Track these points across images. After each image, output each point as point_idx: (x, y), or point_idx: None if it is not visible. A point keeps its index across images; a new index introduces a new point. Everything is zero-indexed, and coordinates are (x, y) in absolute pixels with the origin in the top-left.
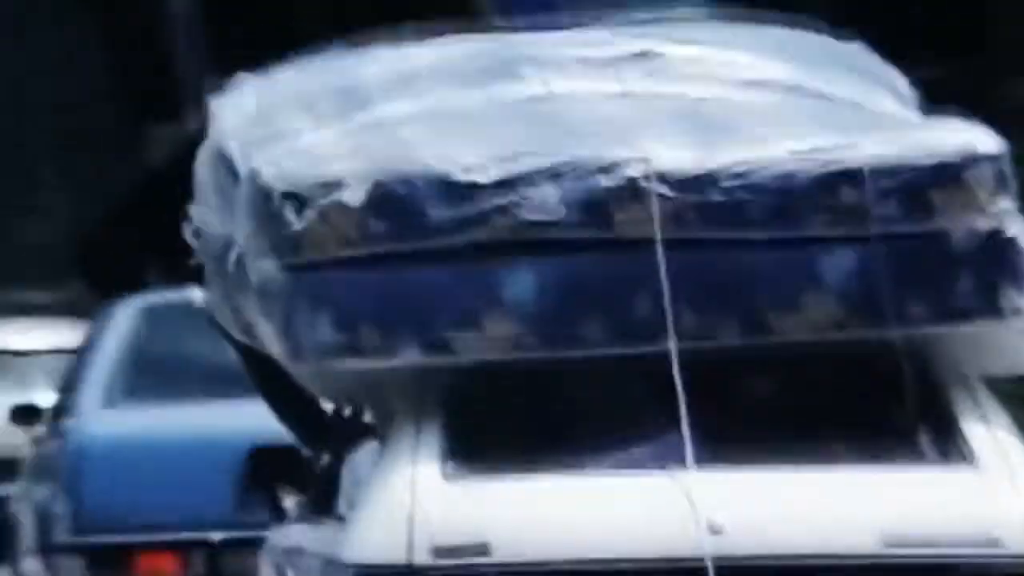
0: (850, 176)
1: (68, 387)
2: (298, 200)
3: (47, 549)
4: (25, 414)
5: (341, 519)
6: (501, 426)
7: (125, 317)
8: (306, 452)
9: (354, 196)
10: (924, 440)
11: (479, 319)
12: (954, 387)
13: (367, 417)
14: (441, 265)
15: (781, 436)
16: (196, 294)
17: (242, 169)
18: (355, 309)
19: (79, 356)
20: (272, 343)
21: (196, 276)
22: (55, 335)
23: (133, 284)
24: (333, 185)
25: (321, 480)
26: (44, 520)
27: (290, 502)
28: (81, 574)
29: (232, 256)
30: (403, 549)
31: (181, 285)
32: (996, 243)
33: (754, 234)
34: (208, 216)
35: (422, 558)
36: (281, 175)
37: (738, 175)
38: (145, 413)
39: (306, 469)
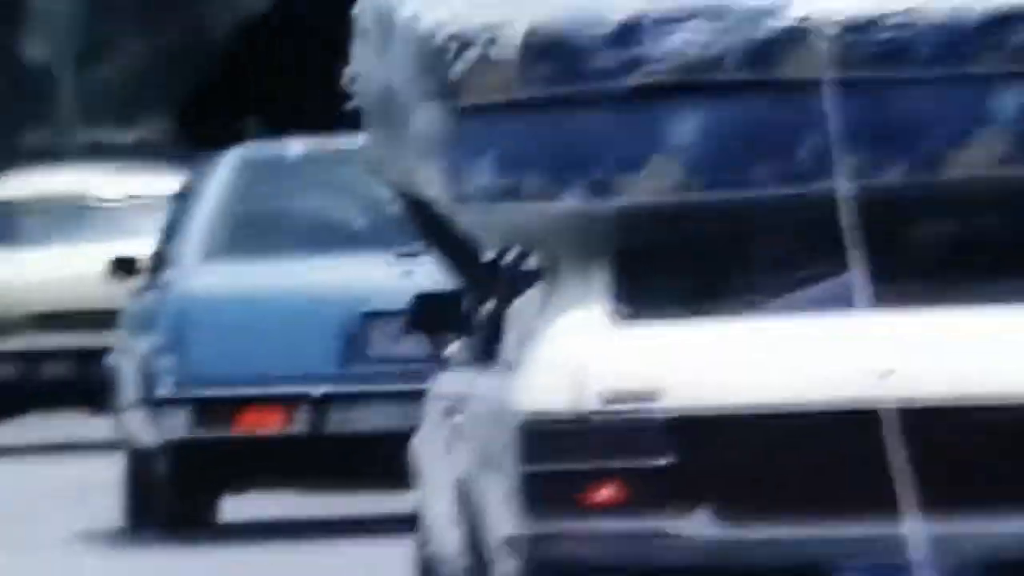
0: (1019, 15)
1: (168, 239)
2: (460, 43)
3: (151, 402)
4: (124, 266)
5: (508, 366)
6: (669, 270)
7: (227, 169)
8: (469, 298)
9: (514, 39)
10: None
11: (643, 162)
12: None
13: (530, 263)
14: (604, 108)
15: (952, 277)
16: (297, 146)
17: (402, 15)
18: (518, 152)
19: (178, 208)
20: (434, 187)
21: (352, 122)
22: (142, 182)
23: (234, 136)
24: (494, 28)
25: (485, 326)
26: (147, 374)
27: (453, 348)
28: (185, 427)
29: (393, 103)
30: (572, 395)
31: (281, 137)
32: None
33: (922, 74)
34: (367, 63)
35: (591, 404)
36: (442, 19)
37: (906, 15)
38: (247, 267)
39: (468, 315)
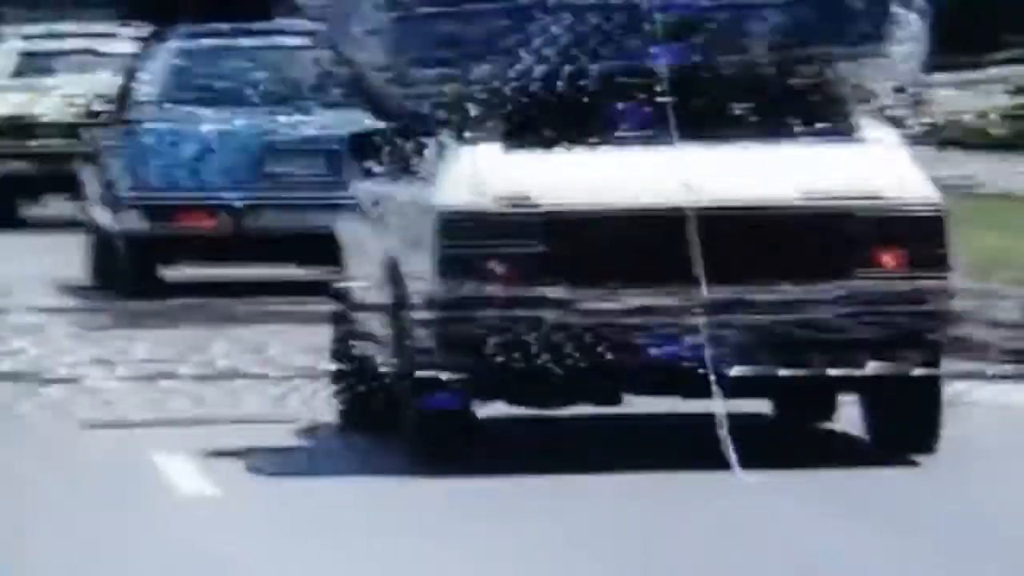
0: None
1: (127, 89)
2: None
3: (114, 202)
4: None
5: (426, 179)
6: (537, 116)
7: (175, 41)
8: (386, 137)
9: None
10: (828, 126)
11: (526, 47)
12: (851, 96)
13: (440, 116)
14: (499, 10)
15: (730, 123)
16: (227, 28)
17: None
18: (429, 40)
19: (135, 67)
20: (372, 57)
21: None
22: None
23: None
24: None
25: (402, 152)
26: (111, 182)
27: (374, 167)
28: (139, 222)
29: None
30: (475, 199)
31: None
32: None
33: None
34: None
35: (488, 206)
36: None
37: None
38: (187, 112)
39: (388, 147)
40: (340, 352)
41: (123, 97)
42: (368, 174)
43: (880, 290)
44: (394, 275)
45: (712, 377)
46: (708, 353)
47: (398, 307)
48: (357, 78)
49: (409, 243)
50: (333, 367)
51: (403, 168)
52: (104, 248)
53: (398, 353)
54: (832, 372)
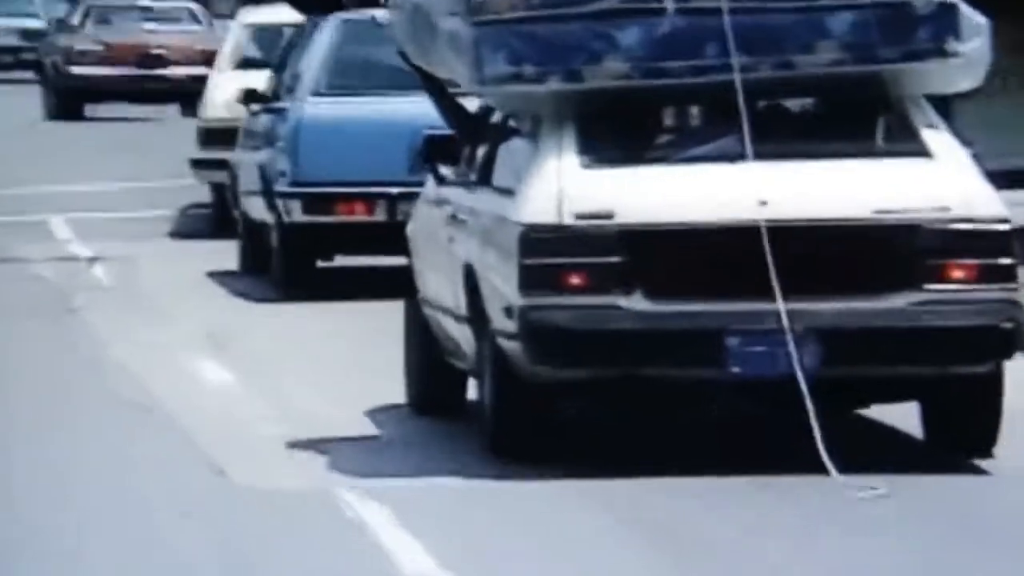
0: None
1: (280, 79)
2: None
3: (270, 194)
4: (248, 97)
5: (505, 191)
6: (617, 133)
7: (329, 28)
8: (461, 141)
9: None
10: (896, 143)
11: (603, 58)
12: (912, 106)
13: (514, 123)
14: (578, 23)
15: (803, 139)
16: (381, 14)
17: None
18: (519, 51)
19: (291, 56)
20: (459, 73)
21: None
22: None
23: (336, 6)
24: None
25: (478, 161)
26: (267, 173)
27: (446, 171)
28: (297, 213)
29: (418, 13)
30: (554, 214)
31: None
32: (944, 9)
33: (784, 5)
34: None
35: (567, 220)
36: None
37: None
38: (344, 101)
39: (459, 152)
40: (412, 341)
41: (278, 83)
42: (440, 180)
43: (948, 300)
44: (471, 281)
45: (797, 383)
46: (787, 360)
47: (475, 311)
48: (430, 81)
49: (487, 252)
50: (405, 356)
51: (481, 177)
52: (258, 243)
53: (475, 351)
54: (902, 377)
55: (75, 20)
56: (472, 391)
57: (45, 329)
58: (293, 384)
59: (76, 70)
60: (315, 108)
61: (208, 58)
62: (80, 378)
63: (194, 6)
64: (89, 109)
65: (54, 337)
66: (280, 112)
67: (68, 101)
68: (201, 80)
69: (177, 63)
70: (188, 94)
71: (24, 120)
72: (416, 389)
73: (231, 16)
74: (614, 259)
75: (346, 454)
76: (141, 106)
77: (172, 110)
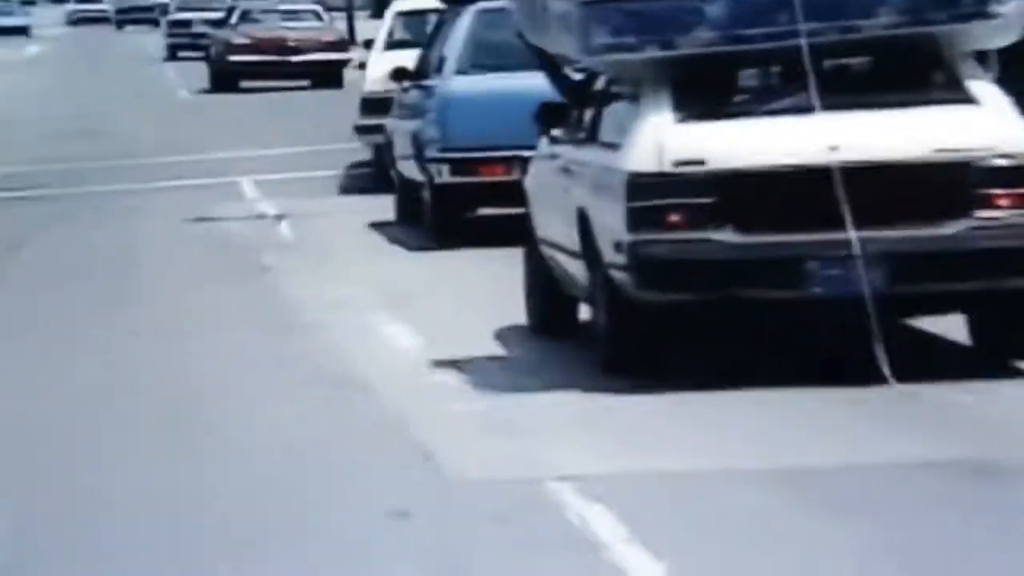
0: None
1: (427, 60)
2: None
3: (422, 159)
4: (400, 74)
5: (611, 146)
6: (704, 92)
7: (469, 16)
8: (569, 106)
9: None
10: (946, 93)
11: (693, 28)
12: (961, 62)
13: (616, 88)
14: (668, 2)
15: (865, 93)
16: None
17: None
18: (620, 25)
19: (436, 40)
20: (569, 46)
21: None
22: None
23: None
24: None
25: (586, 122)
26: (418, 142)
27: (556, 133)
28: (446, 175)
29: (539, 2)
30: (655, 162)
31: None
32: None
33: None
34: None
35: (666, 167)
36: None
37: None
38: (483, 78)
39: (569, 116)
40: (531, 278)
41: (425, 63)
42: (553, 139)
43: (996, 225)
44: (584, 223)
45: (865, 300)
46: (859, 280)
47: (587, 247)
48: (544, 57)
49: (598, 197)
50: (525, 286)
51: (589, 135)
52: (410, 197)
53: (588, 280)
54: (956, 291)
55: (232, 19)
56: (583, 314)
57: (243, 290)
58: (456, 332)
59: (233, 58)
60: (460, 85)
61: (327, 46)
62: (280, 346)
63: (316, 7)
64: (243, 85)
65: (252, 300)
66: (428, 88)
67: (226, 80)
68: (325, 63)
69: (307, 51)
70: (315, 74)
71: (200, 88)
72: (536, 315)
73: (344, 9)
74: (706, 199)
75: (489, 373)
76: (281, 81)
77: (305, 84)
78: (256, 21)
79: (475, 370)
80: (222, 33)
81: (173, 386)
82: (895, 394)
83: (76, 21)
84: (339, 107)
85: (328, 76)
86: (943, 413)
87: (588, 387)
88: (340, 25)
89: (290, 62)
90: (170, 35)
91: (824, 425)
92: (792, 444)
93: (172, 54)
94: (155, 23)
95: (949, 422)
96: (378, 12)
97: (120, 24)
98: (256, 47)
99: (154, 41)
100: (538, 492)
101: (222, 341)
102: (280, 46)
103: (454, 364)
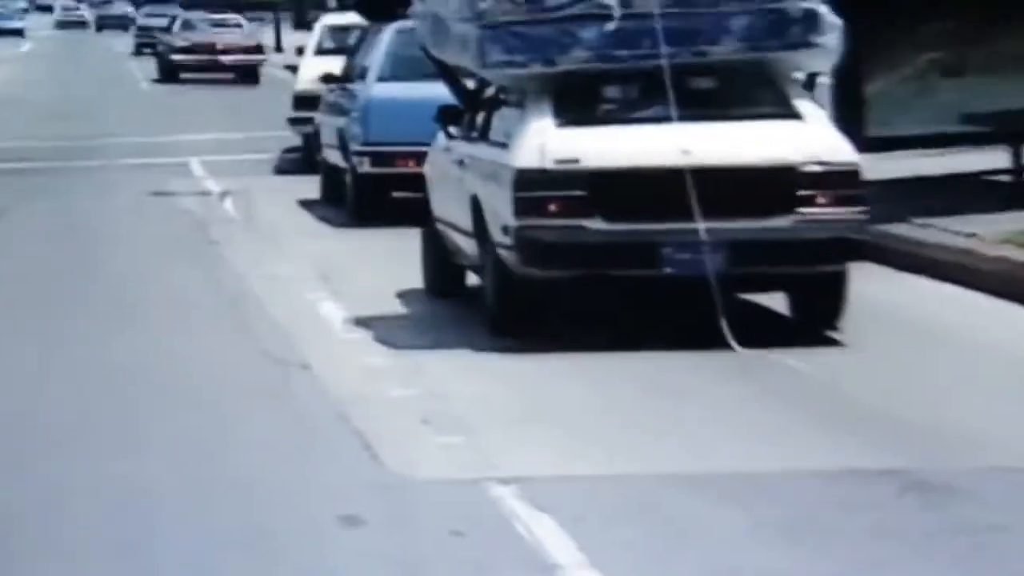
0: None
1: (349, 68)
2: None
3: (346, 151)
4: (328, 78)
5: (500, 144)
6: (579, 102)
7: (390, 33)
8: (464, 105)
9: None
10: (776, 109)
11: (571, 49)
12: (788, 84)
13: (505, 96)
14: (552, 25)
15: (712, 106)
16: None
17: None
18: (511, 45)
19: (359, 51)
20: (467, 60)
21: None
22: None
23: (393, 16)
24: None
25: (478, 123)
26: (343, 137)
27: (453, 131)
28: (367, 165)
29: (439, 20)
30: (539, 160)
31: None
32: (809, 12)
33: (697, 9)
34: (431, 3)
35: (548, 164)
36: None
37: None
38: (400, 85)
39: (464, 117)
40: (428, 250)
41: (350, 69)
42: (448, 136)
43: (816, 219)
44: (476, 208)
45: (710, 279)
46: (705, 263)
47: (478, 228)
48: (443, 68)
49: (489, 187)
50: (422, 257)
51: (481, 135)
52: (334, 181)
53: (478, 255)
54: (782, 274)
55: (175, 27)
56: (471, 281)
57: (195, 263)
58: (369, 296)
59: (174, 57)
60: (379, 91)
61: (247, 50)
62: (228, 318)
63: (239, 18)
64: (183, 77)
65: (202, 274)
66: (352, 92)
67: (170, 72)
68: (246, 63)
69: (231, 53)
70: (238, 71)
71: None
72: (430, 281)
73: (272, 22)
74: (580, 192)
75: (395, 330)
76: (211, 75)
77: (230, 78)
78: (193, 28)
79: (383, 327)
80: (167, 37)
81: (124, 360)
82: (736, 358)
83: (62, 25)
84: (261, 99)
85: (248, 73)
86: (783, 378)
87: (477, 344)
88: (268, 33)
89: (218, 61)
90: (136, 37)
91: (681, 384)
92: (631, 400)
93: (138, 51)
94: (126, 28)
95: (787, 384)
96: (299, 24)
97: (99, 28)
98: (192, 48)
99: (124, 42)
100: (436, 411)
101: (176, 315)
102: (211, 48)
103: (365, 322)
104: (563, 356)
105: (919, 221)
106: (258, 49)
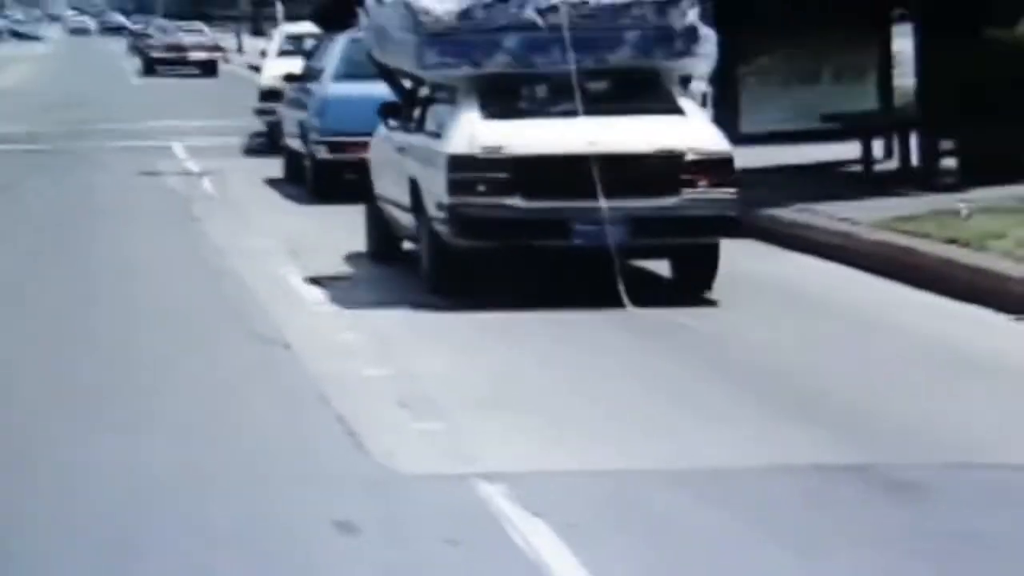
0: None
1: (308, 69)
2: (425, 11)
3: (306, 139)
4: (290, 77)
5: (434, 134)
6: (502, 99)
7: (342, 40)
8: (402, 101)
9: (449, 11)
10: (664, 106)
11: (495, 55)
12: (674, 86)
13: (438, 94)
14: (481, 34)
15: (612, 103)
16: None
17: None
18: (445, 50)
19: (316, 56)
20: (407, 63)
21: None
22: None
23: (345, 26)
24: (440, 6)
25: (415, 116)
26: (303, 127)
27: (392, 123)
28: (324, 152)
29: (384, 31)
30: (468, 147)
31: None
32: (689, 28)
33: (597, 24)
34: (376, 17)
35: (476, 151)
36: (423, 3)
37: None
38: (351, 85)
39: (402, 112)
40: (371, 223)
41: (308, 71)
42: (388, 127)
43: (697, 199)
44: (414, 188)
45: (611, 249)
46: (607, 235)
47: (416, 204)
48: (385, 70)
49: (425, 170)
50: (365, 231)
51: (417, 126)
52: (295, 163)
53: (415, 227)
54: (669, 244)
55: (150, 30)
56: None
57: (179, 237)
58: (323, 259)
59: (152, 54)
60: (335, 89)
61: (209, 49)
62: (213, 296)
63: (203, 26)
64: (159, 71)
65: (187, 247)
66: (310, 89)
67: (149, 68)
68: (207, 60)
69: (196, 51)
70: (201, 66)
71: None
72: (372, 247)
73: (234, 30)
74: (503, 175)
75: (345, 293)
76: (180, 68)
77: (196, 72)
78: (166, 32)
79: (340, 290)
80: (147, 40)
81: (113, 332)
82: (632, 314)
83: (72, 31)
84: (227, 91)
85: (209, 68)
86: (676, 332)
87: (416, 302)
88: (231, 39)
89: (186, 58)
90: (128, 39)
91: (593, 340)
92: (553, 355)
93: (130, 51)
94: (120, 33)
95: (680, 338)
96: (256, 32)
97: (103, 33)
98: (166, 47)
99: (119, 44)
100: (410, 394)
101: (163, 287)
102: (179, 47)
103: (320, 282)
104: (489, 314)
105: (800, 206)
106: (217, 48)
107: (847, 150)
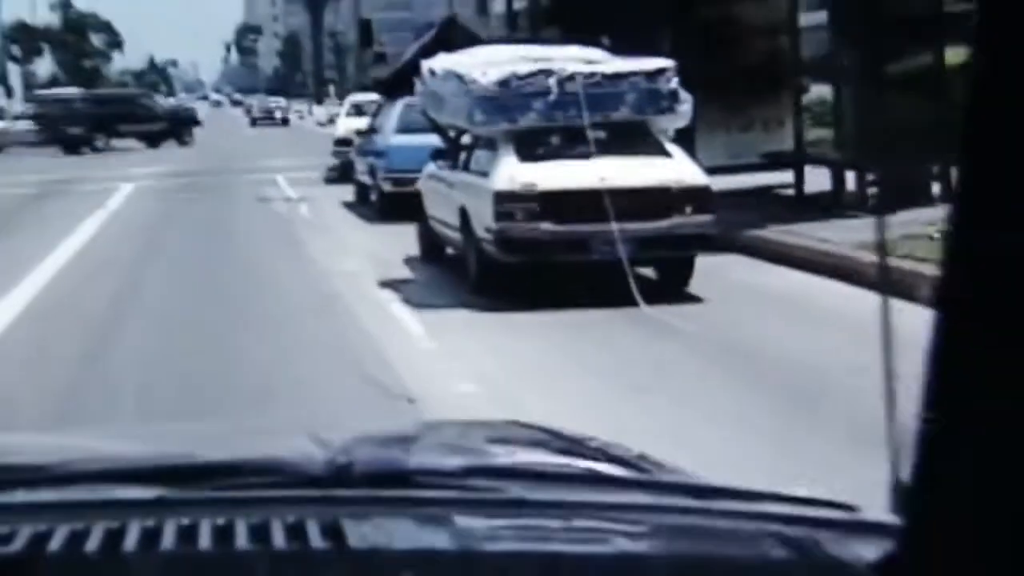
0: (628, 74)
1: (374, 125)
2: (471, 80)
3: (374, 176)
4: (360, 132)
5: (480, 173)
6: (533, 147)
7: (399, 105)
8: (448, 148)
9: (491, 80)
10: (655, 150)
11: (527, 113)
12: (661, 135)
13: (480, 142)
14: (516, 98)
15: (619, 146)
16: (419, 99)
17: (454, 73)
18: (489, 109)
19: (379, 115)
20: (460, 120)
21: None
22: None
23: (401, 95)
24: (484, 75)
25: (461, 157)
26: (372, 169)
27: (441, 163)
28: (390, 185)
29: (438, 96)
30: (509, 185)
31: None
32: (672, 91)
33: (602, 90)
34: (431, 86)
35: (516, 188)
36: (472, 76)
37: (599, 79)
38: (408, 136)
39: (449, 153)
40: (423, 236)
41: (373, 127)
42: (438, 166)
43: (683, 222)
44: (463, 214)
45: (623, 262)
46: (618, 251)
47: (465, 228)
48: (436, 124)
49: (473, 201)
50: (418, 242)
51: (463, 166)
52: (363, 192)
53: (464, 246)
54: (661, 256)
55: (254, 101)
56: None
57: (290, 259)
58: (396, 266)
59: (252, 114)
60: (396, 139)
61: (284, 110)
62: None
63: (281, 98)
64: (258, 123)
65: (295, 264)
66: (376, 140)
67: (252, 122)
68: (284, 117)
69: (277, 111)
70: (281, 120)
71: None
72: (423, 252)
73: (309, 104)
74: (535, 205)
75: (410, 286)
76: (268, 121)
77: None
78: (262, 102)
79: (401, 285)
80: (246, 107)
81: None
82: (644, 312)
83: (212, 104)
84: (299, 140)
85: (284, 121)
86: (681, 328)
87: (467, 301)
88: (303, 106)
89: (273, 116)
90: (243, 107)
91: (612, 333)
92: (576, 345)
93: (245, 113)
94: (242, 105)
95: (685, 333)
96: (318, 101)
97: (232, 105)
98: (261, 110)
99: (240, 111)
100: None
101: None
102: (268, 110)
103: (392, 284)
104: (524, 313)
105: (778, 228)
106: (288, 110)
107: (774, 178)
